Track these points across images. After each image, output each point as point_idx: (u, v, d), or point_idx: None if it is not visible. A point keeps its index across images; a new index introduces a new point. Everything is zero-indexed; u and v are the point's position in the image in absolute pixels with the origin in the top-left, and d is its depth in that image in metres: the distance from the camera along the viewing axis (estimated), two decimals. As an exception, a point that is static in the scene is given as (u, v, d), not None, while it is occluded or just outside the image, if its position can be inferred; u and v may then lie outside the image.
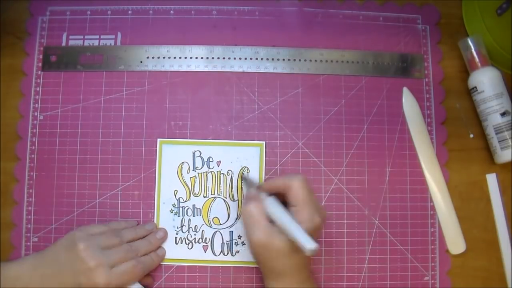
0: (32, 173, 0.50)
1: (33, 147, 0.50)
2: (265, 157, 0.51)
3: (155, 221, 0.50)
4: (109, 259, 0.42)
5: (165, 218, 0.50)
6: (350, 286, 0.49)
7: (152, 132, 0.51)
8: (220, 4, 0.54)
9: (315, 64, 0.53)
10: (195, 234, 0.49)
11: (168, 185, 0.50)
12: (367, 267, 0.50)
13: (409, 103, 0.53)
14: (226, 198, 0.50)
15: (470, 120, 0.54)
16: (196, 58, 0.53)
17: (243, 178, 0.49)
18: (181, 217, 0.50)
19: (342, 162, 0.51)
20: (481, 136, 0.53)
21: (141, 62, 0.52)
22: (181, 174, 0.50)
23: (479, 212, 0.52)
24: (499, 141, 0.50)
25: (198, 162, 0.51)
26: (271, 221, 0.43)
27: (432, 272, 0.50)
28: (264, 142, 0.51)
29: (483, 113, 0.51)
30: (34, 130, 0.51)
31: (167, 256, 0.49)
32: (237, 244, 0.49)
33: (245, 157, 0.51)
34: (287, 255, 0.41)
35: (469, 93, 0.53)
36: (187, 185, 0.50)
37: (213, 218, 0.50)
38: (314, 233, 0.41)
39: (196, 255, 0.49)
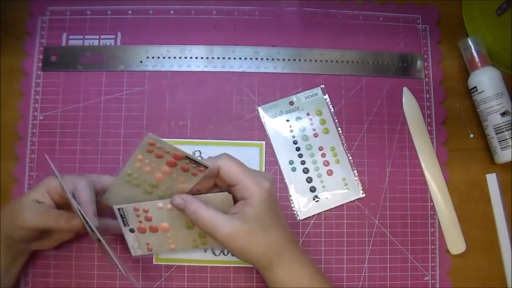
0: (32, 173, 0.50)
1: (33, 147, 0.50)
2: (265, 157, 0.51)
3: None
4: None
5: (165, 218, 0.50)
6: (350, 286, 0.49)
7: (152, 132, 0.51)
8: (220, 4, 0.54)
9: (315, 64, 0.53)
10: (195, 234, 0.49)
11: (168, 185, 0.50)
12: (367, 267, 0.50)
13: (409, 103, 0.53)
14: (226, 198, 0.50)
15: (470, 120, 0.54)
16: (196, 58, 0.53)
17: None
18: (181, 217, 0.50)
19: (342, 162, 0.51)
20: (481, 136, 0.53)
21: (141, 62, 0.52)
22: (181, 174, 0.50)
23: (479, 212, 0.52)
24: (499, 141, 0.50)
25: (198, 162, 0.51)
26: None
27: (432, 272, 0.50)
28: (264, 142, 0.51)
29: (483, 113, 0.51)
30: (34, 130, 0.51)
31: (167, 256, 0.49)
32: (237, 244, 0.49)
33: (245, 157, 0.51)
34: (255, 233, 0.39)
35: (469, 93, 0.53)
36: (187, 185, 0.50)
37: (213, 218, 0.50)
38: (268, 199, 0.39)
39: (196, 255, 0.49)
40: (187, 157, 0.38)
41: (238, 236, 0.39)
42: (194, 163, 0.39)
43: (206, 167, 0.39)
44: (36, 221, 0.41)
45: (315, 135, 0.51)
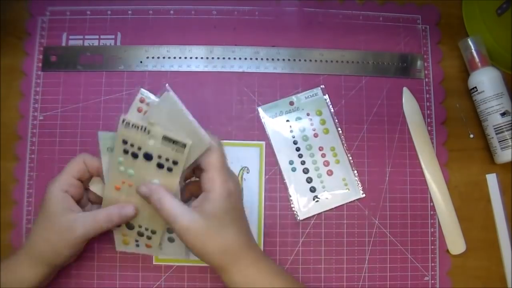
0: (32, 173, 0.50)
1: (33, 147, 0.50)
2: (265, 157, 0.51)
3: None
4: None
5: (165, 218, 0.49)
6: (350, 286, 0.49)
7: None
8: (220, 4, 0.54)
9: (315, 64, 0.53)
10: (195, 234, 0.49)
11: (168, 185, 0.50)
12: (367, 267, 0.50)
13: (409, 103, 0.53)
14: (226, 198, 0.50)
15: (470, 120, 0.54)
16: (196, 58, 0.53)
17: None
18: (181, 217, 0.50)
19: (342, 162, 0.51)
20: (481, 136, 0.53)
21: (141, 62, 0.52)
22: (181, 174, 0.50)
23: (479, 212, 0.52)
24: (499, 141, 0.50)
25: (198, 162, 0.51)
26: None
27: (432, 272, 0.50)
28: (264, 142, 0.51)
29: (483, 113, 0.51)
30: (34, 130, 0.51)
31: (167, 256, 0.49)
32: (237, 244, 0.49)
33: (245, 157, 0.51)
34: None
35: (469, 93, 0.53)
36: (187, 185, 0.50)
37: (213, 218, 0.50)
38: (228, 199, 0.38)
39: (196, 255, 0.49)
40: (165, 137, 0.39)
41: (195, 231, 0.38)
42: (173, 143, 0.39)
43: (184, 145, 0.38)
44: (88, 229, 0.40)
45: (315, 135, 0.51)
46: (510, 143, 0.50)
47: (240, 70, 0.53)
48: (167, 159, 0.40)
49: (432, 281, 0.50)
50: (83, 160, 0.42)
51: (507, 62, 0.53)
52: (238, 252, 0.39)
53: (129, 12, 0.54)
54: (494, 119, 0.50)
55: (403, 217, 0.51)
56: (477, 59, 0.51)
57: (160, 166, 0.40)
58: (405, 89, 0.53)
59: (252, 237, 0.42)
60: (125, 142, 0.40)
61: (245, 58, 0.53)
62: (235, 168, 0.50)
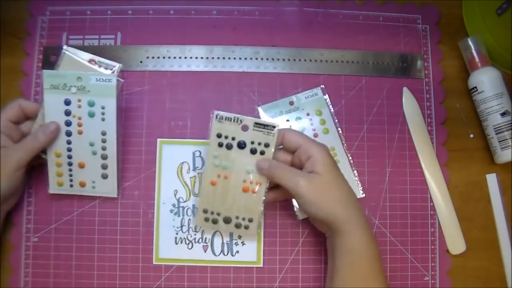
0: (32, 172, 0.50)
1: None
2: (265, 157, 0.51)
3: (155, 221, 0.50)
4: None
5: (165, 218, 0.50)
6: (350, 286, 0.49)
7: (152, 132, 0.51)
8: (220, 4, 0.54)
9: (315, 64, 0.53)
10: (195, 234, 0.49)
11: (168, 185, 0.50)
12: (367, 267, 0.50)
13: (409, 103, 0.53)
14: (226, 198, 0.50)
15: (470, 120, 0.54)
16: (196, 58, 0.53)
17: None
18: (181, 217, 0.50)
19: (342, 162, 0.51)
20: (481, 136, 0.53)
21: (141, 62, 0.52)
22: (181, 174, 0.50)
23: (479, 212, 0.52)
24: (499, 141, 0.50)
25: (198, 162, 0.51)
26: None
27: (432, 272, 0.50)
28: (264, 142, 0.51)
29: (483, 113, 0.51)
30: (34, 130, 0.51)
31: (167, 256, 0.49)
32: (237, 244, 0.49)
33: (245, 157, 0.51)
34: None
35: (469, 93, 0.53)
36: (187, 185, 0.50)
37: (213, 218, 0.50)
38: (330, 155, 0.43)
39: (196, 255, 0.49)
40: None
41: (315, 187, 0.42)
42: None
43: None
44: (20, 154, 0.44)
45: (315, 135, 0.51)
46: (510, 143, 0.50)
47: (240, 70, 0.53)
48: (259, 143, 0.45)
49: (432, 281, 0.50)
50: (19, 104, 0.46)
51: (507, 62, 0.53)
52: (353, 204, 0.43)
53: (129, 12, 0.54)
54: (494, 119, 0.50)
55: (403, 217, 0.51)
56: (477, 59, 0.51)
57: (253, 152, 0.45)
58: (405, 89, 0.53)
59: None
60: (219, 135, 0.45)
61: (245, 58, 0.53)
62: (235, 168, 0.50)
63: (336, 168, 0.43)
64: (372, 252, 0.42)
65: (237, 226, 0.47)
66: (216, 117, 0.45)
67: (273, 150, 0.45)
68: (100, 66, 0.47)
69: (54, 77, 0.45)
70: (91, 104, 0.46)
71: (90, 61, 0.47)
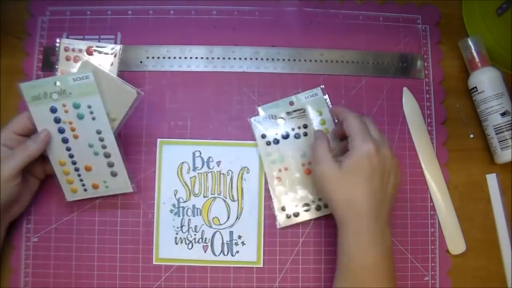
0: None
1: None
2: (265, 157, 0.51)
3: (155, 221, 0.50)
4: None
5: (165, 218, 0.50)
6: (350, 286, 0.49)
7: (152, 132, 0.51)
8: (220, 4, 0.54)
9: (315, 64, 0.53)
10: (195, 234, 0.50)
11: (168, 185, 0.50)
12: (367, 267, 0.50)
13: (409, 103, 0.53)
14: (226, 198, 0.50)
15: (470, 120, 0.54)
16: (196, 58, 0.53)
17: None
18: (181, 217, 0.50)
19: (342, 162, 0.51)
20: (481, 136, 0.53)
21: (140, 62, 0.52)
22: (181, 174, 0.50)
23: (479, 212, 0.52)
24: (499, 141, 0.50)
25: (198, 162, 0.51)
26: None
27: (432, 272, 0.50)
28: (264, 142, 0.52)
29: (483, 113, 0.51)
30: (34, 130, 0.51)
31: (167, 256, 0.49)
32: (237, 244, 0.50)
33: (245, 157, 0.51)
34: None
35: (469, 93, 0.53)
36: (187, 185, 0.50)
37: (213, 218, 0.50)
38: (361, 160, 0.41)
39: (196, 255, 0.49)
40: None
41: (329, 177, 0.42)
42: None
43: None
44: (11, 164, 0.43)
45: (315, 135, 0.51)
46: (510, 143, 0.50)
47: (240, 70, 0.53)
48: (298, 127, 0.50)
49: (432, 281, 0.50)
50: (27, 116, 0.45)
51: (507, 62, 0.53)
52: (361, 212, 0.41)
53: (129, 12, 0.54)
54: (494, 119, 0.50)
55: (403, 217, 0.51)
56: (477, 59, 0.51)
57: (296, 137, 0.50)
58: (405, 89, 0.53)
59: (384, 206, 0.43)
60: (263, 136, 0.50)
61: (245, 58, 0.53)
62: (235, 168, 0.50)
63: (367, 171, 0.42)
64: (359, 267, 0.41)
65: (318, 209, 0.49)
66: (255, 121, 0.50)
67: (313, 126, 0.50)
68: (100, 53, 0.48)
69: (32, 88, 0.44)
70: (77, 106, 0.45)
71: (89, 48, 0.47)
